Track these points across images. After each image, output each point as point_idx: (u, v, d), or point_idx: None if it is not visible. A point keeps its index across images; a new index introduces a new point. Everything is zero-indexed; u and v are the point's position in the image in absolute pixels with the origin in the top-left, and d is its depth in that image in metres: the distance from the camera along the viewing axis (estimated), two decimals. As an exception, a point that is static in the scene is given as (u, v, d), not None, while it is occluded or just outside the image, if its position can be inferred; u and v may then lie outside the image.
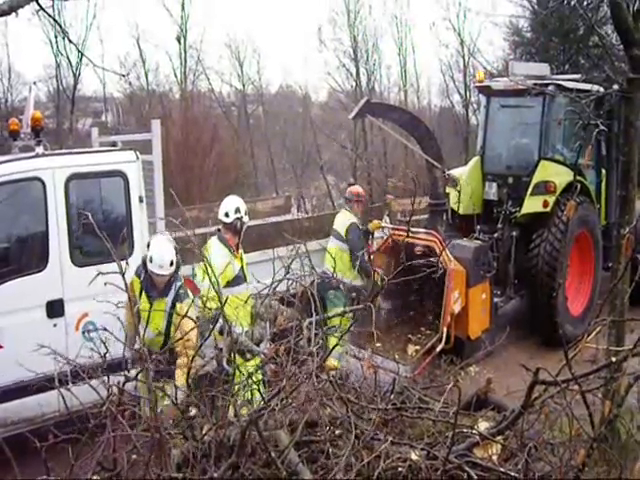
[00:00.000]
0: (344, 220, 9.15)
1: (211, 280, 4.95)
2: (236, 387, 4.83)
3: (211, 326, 5.33)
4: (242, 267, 7.42)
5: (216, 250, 7.27)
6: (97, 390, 4.46)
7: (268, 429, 4.03)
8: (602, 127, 7.85)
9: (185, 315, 5.58)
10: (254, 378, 4.96)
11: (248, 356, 6.24)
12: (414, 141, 10.07)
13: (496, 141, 11.47)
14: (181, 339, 5.58)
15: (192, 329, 5.67)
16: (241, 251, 7.50)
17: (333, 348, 4.65)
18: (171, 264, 6.53)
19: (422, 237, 8.87)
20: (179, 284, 6.70)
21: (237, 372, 4.93)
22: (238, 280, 7.28)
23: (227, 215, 7.37)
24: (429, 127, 10.12)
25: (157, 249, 6.54)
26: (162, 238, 6.79)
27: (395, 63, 30.52)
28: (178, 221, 5.31)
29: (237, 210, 7.37)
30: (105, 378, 4.56)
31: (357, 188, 9.66)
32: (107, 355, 4.79)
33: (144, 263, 6.63)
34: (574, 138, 10.53)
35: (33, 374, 5.49)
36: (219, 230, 7.48)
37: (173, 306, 6.57)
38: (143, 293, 6.65)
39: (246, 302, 6.78)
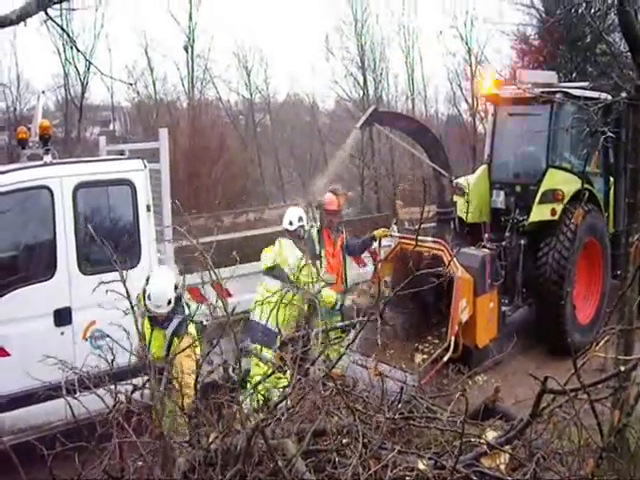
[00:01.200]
0: None
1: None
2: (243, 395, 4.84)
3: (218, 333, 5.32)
4: None
5: (292, 249, 8.00)
6: (103, 399, 4.46)
7: (275, 437, 4.02)
8: (609, 134, 7.83)
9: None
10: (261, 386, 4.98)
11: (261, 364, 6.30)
12: (421, 150, 10.07)
13: (504, 149, 11.46)
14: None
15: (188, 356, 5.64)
16: None
17: (340, 357, 4.65)
18: (169, 303, 6.39)
19: (430, 246, 8.85)
20: (178, 320, 6.51)
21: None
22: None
23: (291, 223, 8.10)
24: (436, 135, 10.11)
25: (155, 287, 6.40)
26: (162, 275, 6.68)
27: (402, 71, 30.48)
28: (184, 229, 5.30)
29: (300, 219, 8.15)
30: (112, 387, 4.56)
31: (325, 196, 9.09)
32: (114, 363, 4.79)
33: (143, 296, 6.45)
34: (582, 146, 10.52)
35: (40, 382, 5.50)
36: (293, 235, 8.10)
37: (171, 340, 6.41)
38: (146, 319, 6.41)
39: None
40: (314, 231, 8.75)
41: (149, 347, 6.22)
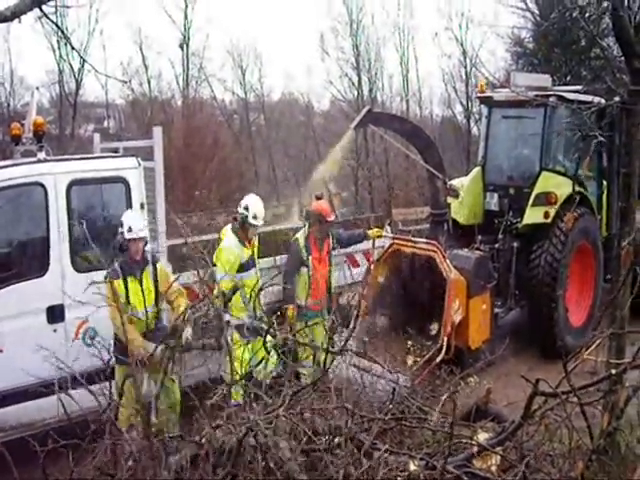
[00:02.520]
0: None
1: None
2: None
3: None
4: (252, 255, 8.18)
5: (227, 239, 8.10)
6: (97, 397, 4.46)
7: (268, 436, 4.02)
8: (601, 138, 7.84)
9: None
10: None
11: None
12: (415, 151, 10.08)
13: (497, 152, 11.47)
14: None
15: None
16: (254, 240, 8.24)
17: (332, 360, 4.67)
18: (144, 227, 7.15)
19: (423, 247, 8.87)
20: (150, 252, 7.24)
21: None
22: (246, 267, 8.04)
23: (240, 208, 8.08)
24: (431, 137, 10.13)
25: (131, 218, 7.03)
26: (133, 211, 7.45)
27: (397, 72, 30.56)
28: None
29: (246, 208, 8.02)
30: (104, 384, 4.56)
31: (321, 206, 8.81)
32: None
33: (120, 245, 6.97)
34: (575, 149, 10.54)
35: (33, 379, 5.49)
36: (234, 219, 8.24)
37: (155, 269, 7.09)
38: (129, 282, 6.91)
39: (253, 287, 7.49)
40: (300, 238, 8.68)
41: (145, 304, 6.98)
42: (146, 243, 7.11)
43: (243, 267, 7.99)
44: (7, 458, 4.00)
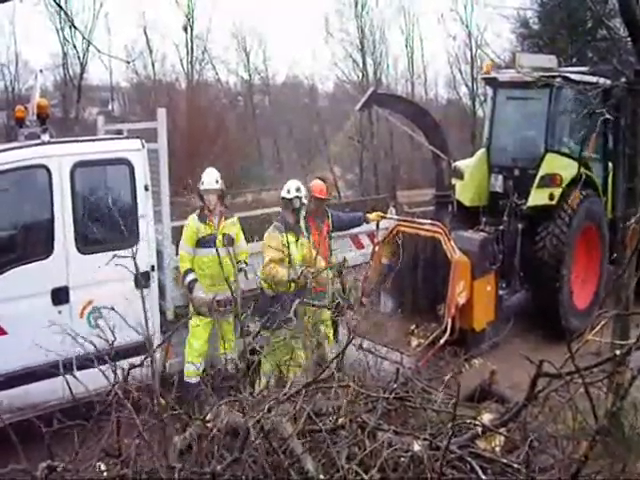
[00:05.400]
0: None
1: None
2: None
3: None
4: (212, 234, 8.05)
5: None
6: (103, 377, 4.46)
7: (272, 418, 4.03)
8: (607, 116, 7.80)
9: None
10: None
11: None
12: (420, 132, 10.04)
13: (502, 133, 11.42)
14: None
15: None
16: (222, 221, 8.19)
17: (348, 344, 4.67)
18: None
19: (427, 228, 8.85)
20: None
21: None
22: (202, 243, 8.03)
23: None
24: (435, 119, 10.09)
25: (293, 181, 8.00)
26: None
27: (402, 54, 30.46)
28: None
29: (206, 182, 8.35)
30: (111, 365, 4.56)
31: (314, 183, 8.92)
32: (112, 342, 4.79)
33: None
34: (580, 131, 10.49)
35: (38, 360, 5.50)
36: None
37: None
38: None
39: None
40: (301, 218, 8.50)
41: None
42: None
43: (199, 243, 8.03)
44: (13, 439, 4.02)
